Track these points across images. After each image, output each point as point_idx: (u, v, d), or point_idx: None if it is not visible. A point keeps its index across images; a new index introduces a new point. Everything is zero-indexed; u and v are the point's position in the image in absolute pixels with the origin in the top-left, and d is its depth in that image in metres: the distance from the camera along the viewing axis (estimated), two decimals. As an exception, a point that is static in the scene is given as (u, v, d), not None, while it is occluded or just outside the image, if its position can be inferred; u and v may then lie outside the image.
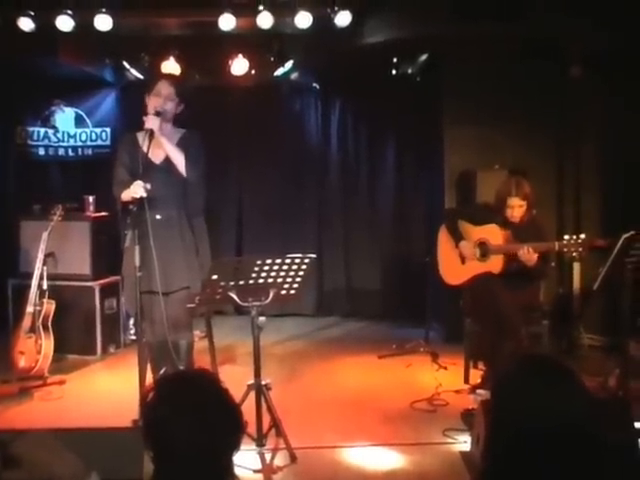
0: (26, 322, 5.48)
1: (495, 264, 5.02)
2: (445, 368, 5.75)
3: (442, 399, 4.98)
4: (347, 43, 6.07)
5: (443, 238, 5.34)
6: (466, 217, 5.23)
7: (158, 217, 4.42)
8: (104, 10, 5.63)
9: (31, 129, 7.66)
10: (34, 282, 5.55)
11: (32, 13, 5.67)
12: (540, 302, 5.37)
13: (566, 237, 4.82)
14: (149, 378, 4.49)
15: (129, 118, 5.85)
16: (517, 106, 6.39)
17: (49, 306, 5.59)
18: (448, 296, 5.79)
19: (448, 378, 5.45)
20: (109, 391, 5.39)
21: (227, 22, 5.64)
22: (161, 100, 4.49)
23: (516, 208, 4.93)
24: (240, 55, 6.52)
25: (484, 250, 5.06)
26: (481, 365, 5.27)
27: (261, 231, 7.83)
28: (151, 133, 4.36)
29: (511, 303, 4.82)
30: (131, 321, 6.55)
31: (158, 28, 6.15)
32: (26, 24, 5.69)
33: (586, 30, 5.59)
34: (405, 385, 5.41)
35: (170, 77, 5.29)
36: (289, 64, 6.80)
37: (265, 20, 5.63)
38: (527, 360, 1.88)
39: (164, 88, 4.54)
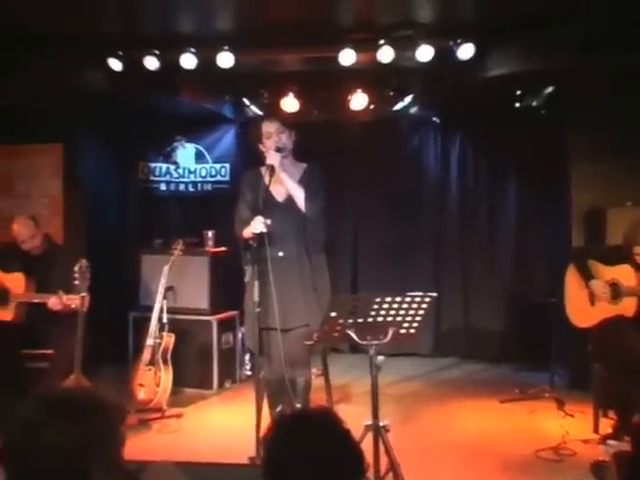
0: (146, 355, 5.57)
1: (628, 307, 4.74)
2: (572, 416, 5.43)
3: (569, 448, 4.68)
4: (469, 76, 5.96)
5: (571, 278, 5.09)
6: (596, 256, 4.98)
7: (281, 254, 4.43)
8: (226, 48, 5.74)
9: (153, 165, 7.84)
10: (154, 315, 5.65)
11: (157, 52, 5.85)
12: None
13: None
14: (265, 415, 4.44)
15: (248, 154, 5.89)
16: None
17: (169, 339, 5.67)
18: (574, 339, 5.50)
19: (575, 426, 5.14)
20: (225, 426, 5.39)
21: (347, 57, 5.65)
22: (275, 137, 4.51)
23: None
24: (359, 90, 6.52)
25: (616, 291, 4.79)
26: (612, 414, 4.95)
27: (377, 267, 7.74)
28: (272, 169, 4.37)
29: (645, 349, 4.53)
30: (247, 356, 6.57)
31: (277, 65, 6.23)
32: (151, 63, 5.89)
33: None
34: (528, 432, 5.15)
35: (267, 116, 5.34)
36: (408, 98, 6.75)
37: (386, 54, 5.60)
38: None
39: (270, 126, 4.56)
